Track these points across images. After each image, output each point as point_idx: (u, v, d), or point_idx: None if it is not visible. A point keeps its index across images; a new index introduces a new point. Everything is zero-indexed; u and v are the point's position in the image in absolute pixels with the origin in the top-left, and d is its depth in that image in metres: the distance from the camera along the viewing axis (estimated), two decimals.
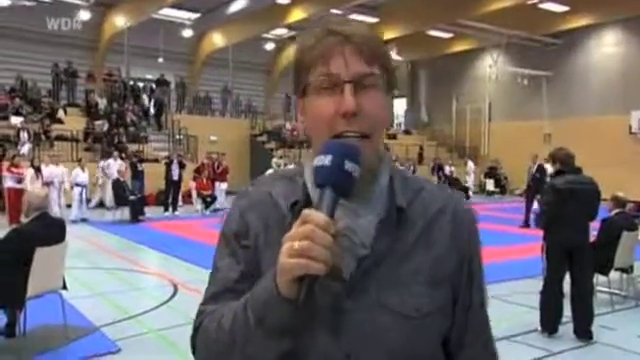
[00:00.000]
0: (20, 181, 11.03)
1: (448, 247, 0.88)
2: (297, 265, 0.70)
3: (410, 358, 0.84)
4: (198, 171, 14.58)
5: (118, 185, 12.26)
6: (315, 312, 0.79)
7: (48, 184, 11.71)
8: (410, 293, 0.84)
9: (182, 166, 13.96)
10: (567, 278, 4.61)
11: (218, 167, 15.17)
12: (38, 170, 11.34)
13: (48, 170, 11.78)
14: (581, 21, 18.99)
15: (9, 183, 11.12)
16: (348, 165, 0.75)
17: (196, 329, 0.89)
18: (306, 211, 0.73)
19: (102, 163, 13.67)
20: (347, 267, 0.81)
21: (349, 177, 0.76)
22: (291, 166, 16.81)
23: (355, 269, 0.82)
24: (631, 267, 5.71)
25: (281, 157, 18.18)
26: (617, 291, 5.82)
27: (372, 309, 0.83)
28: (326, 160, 0.76)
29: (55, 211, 11.46)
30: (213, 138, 19.48)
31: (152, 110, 19.58)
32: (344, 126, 0.80)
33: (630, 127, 18.52)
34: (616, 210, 5.80)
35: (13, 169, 11.23)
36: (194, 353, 0.89)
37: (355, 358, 0.82)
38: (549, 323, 4.55)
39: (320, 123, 0.83)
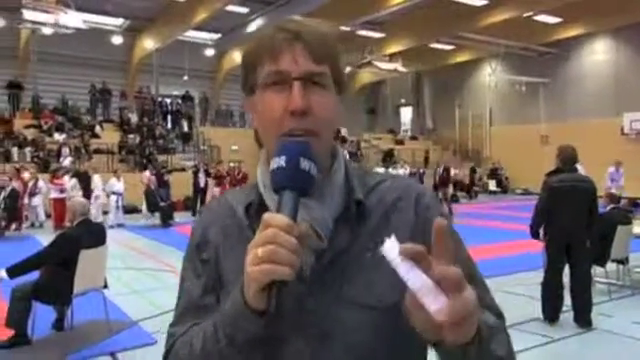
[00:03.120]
0: (63, 191, 11.23)
1: (411, 231, 0.77)
2: (263, 271, 0.61)
3: (379, 351, 0.74)
4: (215, 177, 14.61)
5: (150, 193, 12.43)
6: (283, 317, 0.70)
7: (108, 195, 12.11)
8: (372, 282, 0.74)
9: (208, 174, 14.14)
10: (567, 270, 4.58)
11: (239, 174, 15.36)
12: (80, 179, 11.54)
13: (110, 184, 12.19)
14: (574, 31, 18.80)
15: (53, 194, 11.32)
16: (304, 163, 0.68)
17: (167, 353, 0.81)
18: (267, 215, 0.64)
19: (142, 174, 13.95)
20: (306, 263, 0.72)
21: (307, 175, 0.69)
22: None
23: (314, 264, 0.74)
24: (626, 258, 5.65)
25: None
26: (614, 281, 5.76)
27: (335, 304, 0.74)
28: (281, 161, 0.69)
29: (113, 219, 11.90)
30: (234, 147, 19.59)
31: (184, 124, 19.86)
32: (292, 123, 0.72)
33: (622, 128, 18.24)
34: (611, 205, 5.77)
35: (55, 181, 11.44)
36: None
37: (320, 357, 0.73)
38: (550, 312, 4.53)
39: (269, 120, 0.75)
